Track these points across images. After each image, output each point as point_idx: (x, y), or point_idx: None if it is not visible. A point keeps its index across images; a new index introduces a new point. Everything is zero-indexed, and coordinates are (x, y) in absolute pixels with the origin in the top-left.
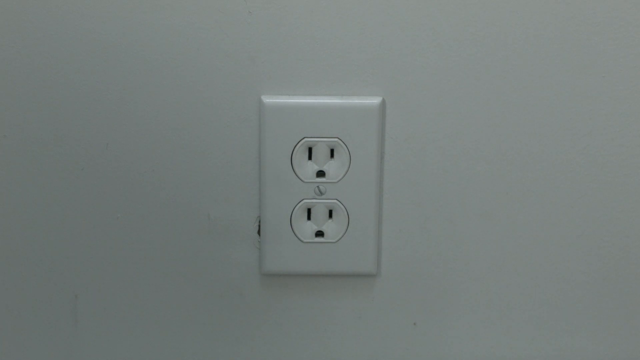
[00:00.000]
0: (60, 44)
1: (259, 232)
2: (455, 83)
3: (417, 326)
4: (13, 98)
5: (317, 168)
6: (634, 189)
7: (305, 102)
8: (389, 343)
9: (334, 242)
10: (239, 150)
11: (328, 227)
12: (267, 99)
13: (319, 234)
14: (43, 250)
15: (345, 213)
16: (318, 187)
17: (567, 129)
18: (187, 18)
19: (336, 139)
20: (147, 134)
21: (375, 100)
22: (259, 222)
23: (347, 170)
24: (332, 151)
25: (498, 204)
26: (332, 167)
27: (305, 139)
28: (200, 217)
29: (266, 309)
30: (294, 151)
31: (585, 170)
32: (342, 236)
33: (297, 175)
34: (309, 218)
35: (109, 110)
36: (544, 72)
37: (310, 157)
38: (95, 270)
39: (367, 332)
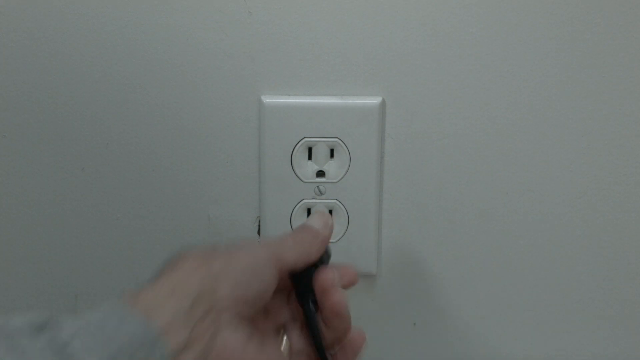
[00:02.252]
0: (60, 44)
1: (259, 232)
2: (455, 83)
3: (417, 326)
4: (13, 98)
5: (317, 168)
6: (634, 189)
7: (305, 102)
8: (389, 343)
9: (334, 242)
10: (239, 150)
11: None
12: (267, 99)
13: None
14: (43, 250)
15: (345, 213)
16: (318, 187)
17: (567, 129)
18: (187, 18)
19: (336, 139)
20: (147, 134)
21: (375, 100)
22: (259, 222)
23: (347, 170)
24: (332, 151)
25: (497, 203)
26: (332, 167)
27: (305, 139)
28: (200, 217)
29: None
30: (294, 151)
31: (585, 170)
32: (342, 236)
33: (297, 175)
34: None
35: (109, 110)
36: (543, 72)
37: (310, 157)
38: (95, 270)
39: (367, 332)
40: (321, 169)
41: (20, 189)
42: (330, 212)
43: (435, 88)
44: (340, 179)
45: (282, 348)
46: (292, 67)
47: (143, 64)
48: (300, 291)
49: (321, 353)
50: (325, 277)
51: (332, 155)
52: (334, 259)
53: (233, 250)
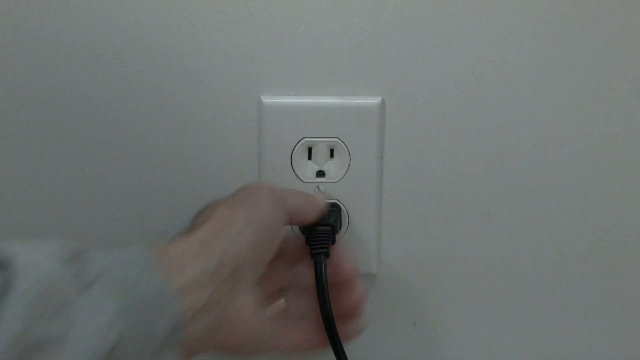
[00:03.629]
0: (60, 44)
1: None
2: (455, 83)
3: (417, 326)
4: (13, 98)
5: (317, 168)
6: (634, 189)
7: (304, 102)
8: (389, 343)
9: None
10: (239, 150)
11: None
12: (267, 99)
13: None
14: None
15: (345, 213)
16: (318, 187)
17: (567, 129)
18: (187, 18)
19: (336, 139)
20: (147, 134)
21: (375, 100)
22: None
23: (347, 170)
24: (332, 151)
25: (498, 203)
26: (332, 167)
27: (305, 139)
28: None
29: None
30: (294, 151)
31: (585, 170)
32: (342, 236)
33: (297, 175)
34: None
35: (109, 110)
36: (543, 72)
37: (310, 157)
38: None
39: (367, 332)
40: (321, 169)
41: (20, 189)
42: None
43: (435, 88)
44: (340, 179)
45: (271, 311)
46: (292, 67)
47: (143, 64)
48: (314, 245)
49: (325, 305)
50: (345, 264)
51: (332, 155)
52: None
53: (251, 206)
